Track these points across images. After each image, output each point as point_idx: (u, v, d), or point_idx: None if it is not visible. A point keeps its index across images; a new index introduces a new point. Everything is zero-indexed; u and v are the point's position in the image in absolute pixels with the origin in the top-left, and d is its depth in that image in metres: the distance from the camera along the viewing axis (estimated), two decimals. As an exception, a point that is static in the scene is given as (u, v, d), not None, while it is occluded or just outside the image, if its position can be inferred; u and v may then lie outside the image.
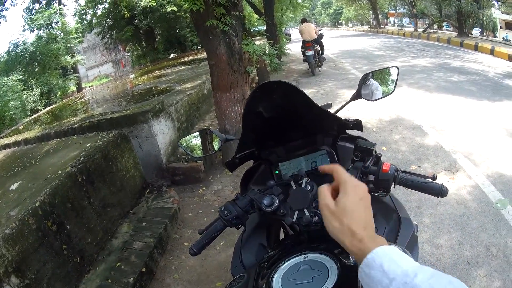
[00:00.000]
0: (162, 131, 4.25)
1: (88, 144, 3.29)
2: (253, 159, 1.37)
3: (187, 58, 12.44)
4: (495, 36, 13.61)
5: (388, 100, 6.53)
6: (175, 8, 13.97)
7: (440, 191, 1.01)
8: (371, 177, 1.10)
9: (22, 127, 6.20)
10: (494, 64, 9.18)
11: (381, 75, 1.44)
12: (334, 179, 0.79)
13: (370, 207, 0.74)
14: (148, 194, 3.87)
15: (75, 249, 2.55)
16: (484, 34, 14.18)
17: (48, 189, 2.44)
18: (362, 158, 1.13)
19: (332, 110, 1.29)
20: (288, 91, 1.01)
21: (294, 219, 0.93)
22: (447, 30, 16.45)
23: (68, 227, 2.50)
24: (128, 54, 16.61)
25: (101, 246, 2.88)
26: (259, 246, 1.20)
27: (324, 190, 0.78)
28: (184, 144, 1.46)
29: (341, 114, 1.34)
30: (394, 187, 1.10)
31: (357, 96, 1.34)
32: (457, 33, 13.94)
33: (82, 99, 7.67)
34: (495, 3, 14.01)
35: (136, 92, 6.52)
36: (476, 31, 14.87)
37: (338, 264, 0.80)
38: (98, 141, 3.35)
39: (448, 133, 4.93)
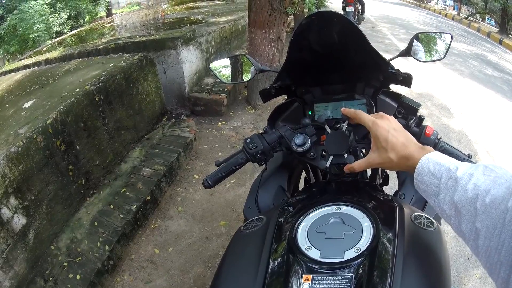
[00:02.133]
0: (189, 60, 4.24)
1: (111, 65, 3.31)
2: (287, 95, 1.35)
3: None
4: None
5: (422, 73, 6.52)
6: None
7: None
8: None
9: (45, 49, 6.24)
10: None
11: (433, 38, 1.40)
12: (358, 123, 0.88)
13: (404, 130, 0.83)
14: (166, 121, 3.97)
15: (81, 170, 2.65)
16: None
17: (62, 107, 2.48)
18: (405, 116, 1.11)
19: None
20: (345, 26, 0.98)
21: (328, 164, 0.93)
22: (488, 23, 16.14)
23: (77, 147, 2.58)
24: None
25: (108, 170, 2.99)
26: (278, 189, 1.18)
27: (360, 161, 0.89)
28: (215, 67, 1.43)
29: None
30: None
31: (406, 53, 1.28)
32: (498, 29, 13.73)
33: (110, 24, 7.71)
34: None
35: (167, 21, 6.50)
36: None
37: (374, 224, 0.76)
38: (122, 62, 3.37)
39: (474, 122, 4.92)
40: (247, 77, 1.40)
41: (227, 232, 2.63)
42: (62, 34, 9.76)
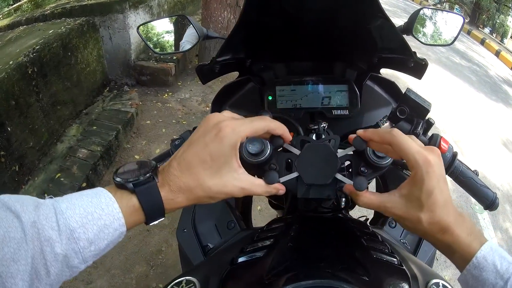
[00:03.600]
0: (137, 24, 4.06)
1: (51, 31, 3.11)
2: (239, 71, 1.10)
3: None
4: (502, 42, 14.47)
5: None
6: None
7: (492, 203, 0.83)
8: None
9: (0, 16, 5.92)
10: (496, 66, 9.56)
11: (440, 18, 1.19)
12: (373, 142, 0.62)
13: (446, 182, 0.60)
14: (107, 93, 3.85)
15: (14, 155, 2.51)
16: (493, 35, 15.08)
17: (-11, 85, 2.29)
18: (410, 118, 0.82)
19: None
20: None
21: (300, 195, 0.66)
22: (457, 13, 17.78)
23: (8, 128, 2.42)
24: None
25: (44, 151, 2.86)
26: (223, 206, 0.90)
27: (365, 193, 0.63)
28: (146, 31, 1.17)
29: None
30: None
31: (405, 30, 1.05)
32: (468, 20, 14.61)
33: None
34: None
35: None
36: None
37: None
38: (62, 28, 3.17)
39: (441, 111, 5.14)
40: (186, 46, 1.12)
41: (170, 224, 2.58)
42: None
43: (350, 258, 0.63)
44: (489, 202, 0.83)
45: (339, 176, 0.65)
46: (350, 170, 0.69)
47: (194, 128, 0.71)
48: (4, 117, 2.42)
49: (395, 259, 0.66)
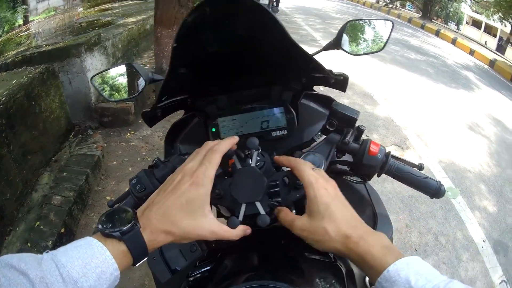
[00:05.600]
0: (94, 67, 4.32)
1: (14, 82, 3.29)
2: (184, 109, 1.20)
3: None
4: (458, 29, 15.51)
5: (339, 62, 6.50)
6: None
7: (436, 191, 0.92)
8: (348, 156, 0.99)
9: None
10: (454, 54, 10.19)
11: (368, 27, 1.30)
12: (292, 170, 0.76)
13: (348, 203, 0.72)
14: (73, 138, 4.05)
15: None
16: (448, 25, 15.94)
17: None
18: (339, 128, 0.98)
19: None
20: (253, 13, 0.78)
21: (241, 217, 0.74)
22: (409, 10, 17.99)
23: None
24: None
25: (21, 201, 3.01)
26: None
27: (283, 211, 0.76)
28: (100, 81, 1.25)
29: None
30: (379, 176, 0.98)
31: (334, 45, 1.16)
32: (420, 15, 15.58)
33: (27, 33, 7.74)
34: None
35: (79, 25, 6.64)
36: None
37: None
38: (24, 77, 3.37)
39: (400, 108, 5.39)
40: (135, 91, 1.21)
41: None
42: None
43: (286, 262, 0.79)
44: (433, 191, 0.92)
45: (259, 208, 0.76)
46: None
47: (150, 166, 0.89)
48: (-21, 173, 2.50)
49: (328, 257, 0.82)
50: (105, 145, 4.02)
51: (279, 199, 0.80)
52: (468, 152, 4.80)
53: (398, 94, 6.00)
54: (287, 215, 0.75)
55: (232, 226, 0.72)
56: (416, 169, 0.97)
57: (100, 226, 0.64)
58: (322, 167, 0.87)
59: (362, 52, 1.26)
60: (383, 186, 3.66)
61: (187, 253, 0.86)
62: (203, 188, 0.67)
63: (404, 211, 3.45)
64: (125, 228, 0.63)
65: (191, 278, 0.82)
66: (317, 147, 0.96)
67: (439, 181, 0.92)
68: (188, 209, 0.66)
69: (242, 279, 0.70)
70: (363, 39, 1.29)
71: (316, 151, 0.94)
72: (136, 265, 0.66)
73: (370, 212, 1.10)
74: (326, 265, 0.79)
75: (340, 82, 1.06)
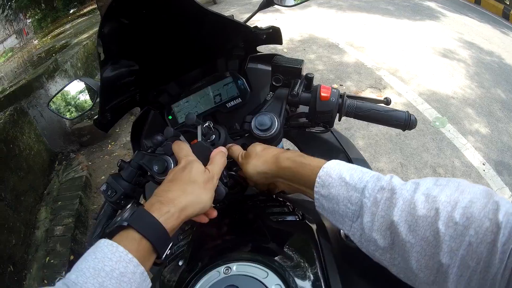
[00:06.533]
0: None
1: None
2: (139, 106, 1.21)
3: (86, 9, 13.77)
4: None
5: (296, 19, 6.89)
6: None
7: (406, 122, 0.88)
8: (304, 108, 0.97)
9: None
10: None
11: None
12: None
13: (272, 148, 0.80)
14: (58, 166, 4.11)
15: (3, 258, 2.71)
16: None
17: None
18: (286, 81, 0.98)
19: None
20: (162, 2, 0.79)
21: None
22: None
23: None
24: (29, 20, 17.74)
25: (27, 243, 3.08)
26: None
27: (234, 146, 0.87)
28: (57, 105, 1.29)
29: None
30: (339, 120, 0.96)
31: (268, 3, 1.19)
32: None
33: None
34: None
35: (36, 57, 6.74)
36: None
37: (285, 281, 0.60)
38: None
39: (368, 51, 5.38)
40: (89, 104, 1.25)
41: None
42: None
43: (252, 231, 0.80)
44: (403, 123, 0.88)
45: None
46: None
47: (115, 172, 0.90)
48: (-21, 227, 2.56)
49: (296, 216, 0.83)
50: (89, 163, 4.09)
51: (236, 168, 0.88)
52: (447, 80, 4.83)
53: (363, 38, 6.00)
54: (236, 150, 0.85)
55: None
56: (383, 104, 0.95)
57: (106, 229, 0.62)
58: (276, 125, 0.90)
59: (294, 3, 1.28)
60: (368, 131, 3.68)
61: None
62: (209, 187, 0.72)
63: (395, 150, 3.45)
64: (126, 213, 0.61)
65: (166, 262, 0.80)
66: (267, 106, 0.97)
67: (407, 111, 0.89)
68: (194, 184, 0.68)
69: (211, 261, 0.70)
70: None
71: (266, 110, 0.95)
72: (165, 259, 0.61)
73: (344, 158, 1.08)
74: (294, 224, 0.80)
75: (272, 35, 1.04)
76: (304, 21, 6.77)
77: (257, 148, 0.80)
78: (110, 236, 0.57)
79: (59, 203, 3.53)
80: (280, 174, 0.72)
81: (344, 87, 4.43)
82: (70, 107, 1.32)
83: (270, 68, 1.02)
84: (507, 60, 5.73)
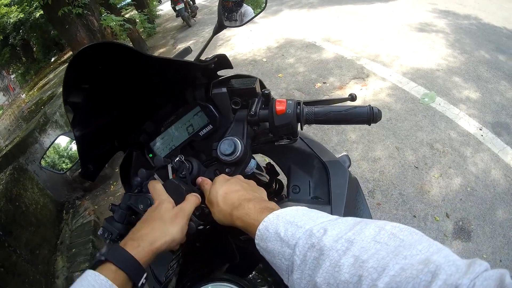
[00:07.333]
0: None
1: None
2: (121, 149, 1.26)
3: (66, 56, 14.15)
4: None
5: (270, 26, 7.01)
6: (42, 12, 13.89)
7: (370, 116, 0.88)
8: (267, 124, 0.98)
9: None
10: None
11: None
12: None
13: (237, 188, 0.83)
14: (66, 215, 4.24)
15: None
16: None
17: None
18: (244, 102, 1.02)
19: (195, 54, 1.20)
20: (118, 54, 0.84)
21: None
22: None
23: None
24: (13, 76, 18.00)
25: None
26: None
27: (204, 180, 0.91)
28: (49, 160, 1.36)
29: (225, 51, 1.37)
30: (302, 129, 0.99)
31: (219, 27, 1.22)
32: None
33: None
34: None
35: (26, 112, 6.89)
36: None
37: None
38: None
39: (345, 43, 5.47)
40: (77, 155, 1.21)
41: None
42: None
43: (226, 252, 0.89)
44: (367, 117, 0.88)
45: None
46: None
47: (109, 216, 0.97)
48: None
49: None
50: (96, 207, 4.20)
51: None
52: (428, 53, 4.87)
53: (339, 31, 6.10)
54: (206, 187, 0.89)
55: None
56: (349, 102, 0.99)
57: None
58: (239, 148, 0.94)
59: (247, 20, 1.31)
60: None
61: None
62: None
63: (388, 136, 3.46)
64: (103, 250, 0.69)
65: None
66: (230, 130, 1.00)
67: (369, 105, 0.89)
68: (166, 220, 0.79)
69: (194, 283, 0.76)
70: (245, 8, 1.33)
71: (229, 135, 0.98)
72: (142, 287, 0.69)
73: (319, 163, 1.11)
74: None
75: (219, 63, 1.12)
76: (278, 26, 6.92)
77: (219, 191, 0.83)
78: (93, 268, 0.66)
79: (73, 250, 3.64)
80: (235, 225, 0.76)
81: (327, 84, 4.49)
82: (64, 158, 1.38)
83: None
84: (485, 19, 5.79)
